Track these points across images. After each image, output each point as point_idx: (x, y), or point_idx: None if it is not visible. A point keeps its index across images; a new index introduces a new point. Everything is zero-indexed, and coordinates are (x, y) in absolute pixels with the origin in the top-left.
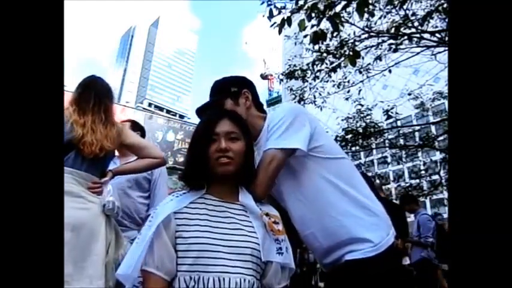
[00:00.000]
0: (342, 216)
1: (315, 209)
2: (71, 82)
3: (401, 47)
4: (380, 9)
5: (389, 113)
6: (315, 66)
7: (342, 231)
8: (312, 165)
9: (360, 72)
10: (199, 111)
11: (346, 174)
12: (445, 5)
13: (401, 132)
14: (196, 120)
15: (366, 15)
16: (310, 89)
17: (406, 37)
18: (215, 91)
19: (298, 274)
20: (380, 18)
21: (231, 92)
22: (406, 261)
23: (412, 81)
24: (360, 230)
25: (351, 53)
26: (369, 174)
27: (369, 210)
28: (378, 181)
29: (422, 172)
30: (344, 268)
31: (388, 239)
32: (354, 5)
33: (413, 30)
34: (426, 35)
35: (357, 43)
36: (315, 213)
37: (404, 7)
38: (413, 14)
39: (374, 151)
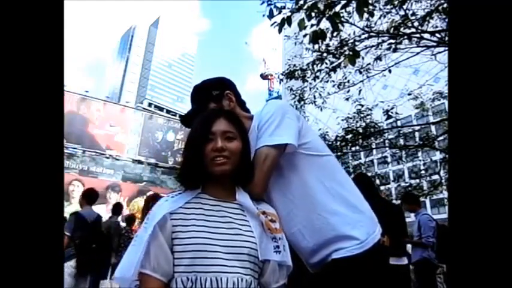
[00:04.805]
0: (328, 213)
1: (303, 206)
2: (76, 82)
3: (401, 47)
4: (380, 9)
5: (389, 113)
6: (315, 66)
7: (328, 228)
8: (299, 162)
9: (360, 72)
10: (184, 120)
11: (332, 171)
12: (445, 5)
13: (401, 132)
14: None
15: (365, 15)
16: (310, 89)
17: (406, 37)
18: (197, 97)
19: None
20: (380, 18)
21: (213, 95)
22: (405, 260)
23: (412, 81)
24: (345, 228)
25: (350, 53)
26: (369, 174)
27: (355, 207)
28: (377, 181)
29: (422, 172)
30: (331, 267)
31: (374, 236)
32: (354, 4)
33: (413, 30)
34: (426, 35)
35: (356, 43)
36: (302, 210)
37: (404, 7)
38: (413, 14)
39: (374, 151)
